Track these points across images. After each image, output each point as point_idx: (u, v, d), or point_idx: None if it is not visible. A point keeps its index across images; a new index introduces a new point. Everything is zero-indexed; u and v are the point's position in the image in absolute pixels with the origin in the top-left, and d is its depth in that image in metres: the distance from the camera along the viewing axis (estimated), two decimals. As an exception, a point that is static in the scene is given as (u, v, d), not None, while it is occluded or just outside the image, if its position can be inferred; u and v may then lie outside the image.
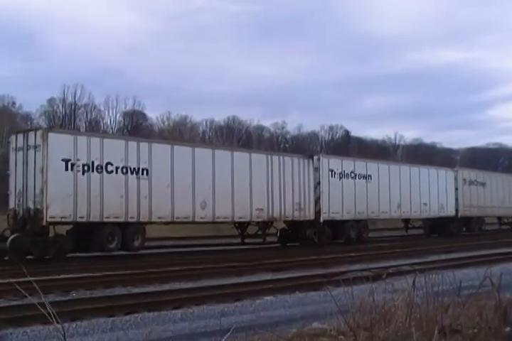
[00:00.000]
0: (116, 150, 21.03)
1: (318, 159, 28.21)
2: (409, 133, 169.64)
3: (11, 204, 20.42)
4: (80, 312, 9.56)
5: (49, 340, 7.52)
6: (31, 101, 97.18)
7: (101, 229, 20.64)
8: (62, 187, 19.57)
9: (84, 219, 20.03)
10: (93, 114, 73.99)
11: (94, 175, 20.37)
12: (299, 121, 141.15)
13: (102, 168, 20.57)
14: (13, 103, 68.10)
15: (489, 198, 39.60)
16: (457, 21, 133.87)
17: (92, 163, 20.36)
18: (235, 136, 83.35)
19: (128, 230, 21.30)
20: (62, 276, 15.14)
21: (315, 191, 27.75)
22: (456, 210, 36.45)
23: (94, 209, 20.15)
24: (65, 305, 9.93)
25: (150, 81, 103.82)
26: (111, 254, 20.99)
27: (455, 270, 10.08)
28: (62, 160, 19.71)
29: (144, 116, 77.82)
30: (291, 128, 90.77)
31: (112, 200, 20.66)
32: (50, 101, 70.44)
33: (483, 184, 39.28)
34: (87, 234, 20.69)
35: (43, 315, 4.29)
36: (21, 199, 19.89)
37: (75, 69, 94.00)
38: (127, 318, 9.29)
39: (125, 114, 76.48)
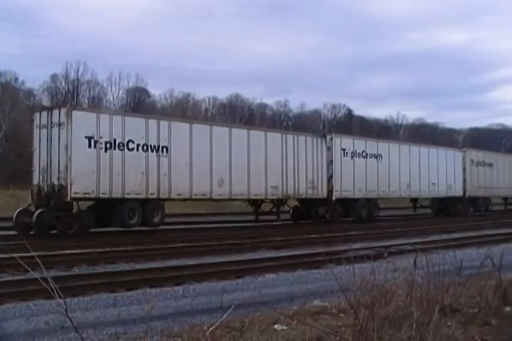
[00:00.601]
0: (137, 128, 21.64)
1: (331, 138, 28.96)
2: (411, 113, 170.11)
3: (35, 180, 21.00)
4: (82, 288, 9.71)
5: (52, 315, 7.58)
6: (34, 78, 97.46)
7: (122, 205, 21.28)
8: (85, 164, 20.17)
9: (106, 196, 20.69)
10: (96, 90, 74.45)
11: (116, 152, 20.98)
12: (302, 100, 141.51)
13: (123, 145, 21.17)
14: (16, 79, 68.16)
15: (496, 179, 40.52)
16: (460, 2, 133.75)
17: (114, 140, 20.95)
18: (238, 114, 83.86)
19: (148, 206, 21.99)
20: (66, 252, 15.40)
21: (327, 170, 28.54)
22: (464, 190, 37.43)
23: (116, 185, 20.81)
24: (67, 280, 10.11)
25: (153, 59, 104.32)
26: (131, 230, 21.77)
27: (456, 250, 10.10)
28: (86, 137, 20.28)
29: (146, 93, 78.42)
30: (294, 106, 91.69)
31: (132, 177, 21.31)
32: (53, 77, 70.84)
33: (490, 165, 40.15)
34: (108, 209, 21.39)
35: (45, 289, 4.35)
36: (45, 176, 20.52)
37: (79, 47, 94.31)
38: (129, 294, 9.43)
39: (128, 91, 76.99)
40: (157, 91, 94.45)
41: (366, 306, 5.50)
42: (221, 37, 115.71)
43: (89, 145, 20.40)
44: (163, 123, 22.64)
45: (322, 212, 28.05)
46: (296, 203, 29.02)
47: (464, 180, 37.48)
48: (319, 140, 28.66)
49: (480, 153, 40.70)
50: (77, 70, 70.02)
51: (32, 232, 19.83)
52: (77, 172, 19.97)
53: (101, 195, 20.60)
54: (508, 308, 6.66)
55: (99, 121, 20.70)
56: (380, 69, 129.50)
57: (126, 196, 21.22)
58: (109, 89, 74.90)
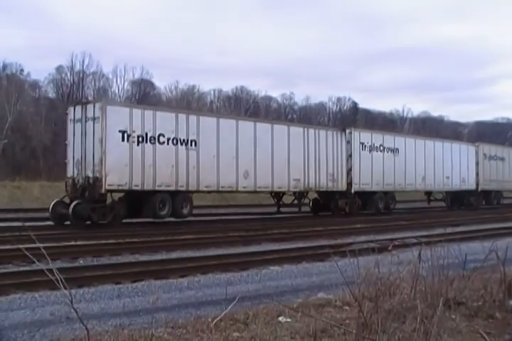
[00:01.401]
0: (167, 123, 22.74)
1: (350, 132, 30.21)
2: (416, 106, 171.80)
3: (69, 173, 22.14)
4: (87, 279, 10.00)
5: (57, 306, 7.73)
6: (39, 69, 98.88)
7: (153, 196, 22.38)
8: (119, 157, 21.26)
9: (138, 188, 21.79)
10: (101, 82, 75.40)
11: (148, 145, 22.09)
12: (307, 93, 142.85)
13: (154, 139, 22.28)
14: (21, 70, 69.18)
15: (507, 173, 41.94)
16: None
17: (146, 134, 22.03)
18: (243, 106, 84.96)
19: (177, 198, 23.13)
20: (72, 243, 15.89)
21: (347, 163, 29.83)
22: (477, 184, 38.90)
23: (147, 178, 21.92)
24: (72, 271, 10.38)
25: (159, 52, 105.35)
26: (160, 221, 22.89)
27: (461, 243, 10.67)
28: (119, 131, 21.34)
29: (151, 85, 79.27)
30: (299, 99, 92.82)
31: (163, 170, 22.43)
32: (59, 69, 71.69)
33: (502, 159, 41.61)
34: (138, 201, 22.49)
35: (51, 280, 4.49)
36: (80, 168, 21.60)
37: (85, 39, 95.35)
38: (134, 286, 9.66)
39: (133, 83, 77.88)
40: (162, 83, 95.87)
41: (370, 299, 5.61)
42: (227, 29, 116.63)
43: (123, 139, 21.45)
44: (192, 118, 23.76)
45: (342, 204, 29.34)
46: (315, 196, 30.21)
47: (477, 174, 38.96)
48: (339, 134, 29.91)
49: (492, 147, 42.18)
50: (83, 62, 70.89)
51: (67, 223, 20.97)
52: (111, 165, 21.05)
53: (133, 187, 21.68)
54: (512, 301, 6.80)
55: (131, 116, 21.76)
56: (385, 63, 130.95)
57: (157, 188, 22.34)
58: (115, 81, 75.88)
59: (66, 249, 14.46)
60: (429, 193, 37.81)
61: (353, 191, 29.61)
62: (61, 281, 4.27)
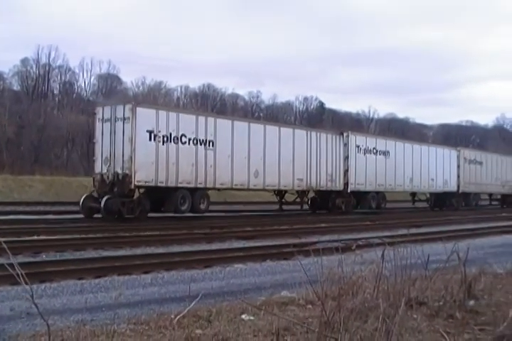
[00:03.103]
0: (188, 124, 25.86)
1: (347, 136, 34.04)
2: (382, 108, 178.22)
3: (97, 169, 24.97)
4: (49, 274, 10.18)
5: (17, 301, 7.85)
6: (4, 61, 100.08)
7: (175, 193, 25.49)
8: (146, 155, 24.20)
9: (163, 184, 24.82)
10: (67, 76, 77.55)
11: (172, 145, 25.17)
12: (274, 91, 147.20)
13: (177, 139, 25.38)
14: (-15, 61, 70.76)
15: (484, 176, 46.73)
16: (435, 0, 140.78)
17: (170, 134, 25.12)
18: (210, 104, 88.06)
19: (196, 194, 26.29)
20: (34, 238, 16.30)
21: (344, 164, 33.67)
22: (458, 186, 43.50)
23: (171, 175, 24.98)
24: (34, 266, 10.55)
25: (126, 46, 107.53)
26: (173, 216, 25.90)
27: (424, 244, 11.53)
28: (147, 131, 24.34)
29: (118, 79, 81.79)
30: (266, 97, 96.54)
31: (184, 168, 25.54)
32: (24, 61, 73.52)
33: (480, 163, 46.34)
34: (159, 197, 25.55)
35: (11, 275, 4.56)
36: (109, 165, 24.46)
37: (52, 31, 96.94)
38: (97, 281, 9.95)
39: (100, 77, 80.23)
40: (129, 78, 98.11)
41: (333, 298, 5.87)
42: (196, 27, 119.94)
43: (150, 139, 24.45)
44: (210, 120, 27.05)
45: (339, 203, 33.10)
46: (313, 194, 33.84)
47: (458, 177, 43.59)
48: (337, 137, 33.74)
49: (472, 152, 47.23)
50: (49, 55, 72.87)
51: (96, 215, 23.90)
52: (140, 162, 23.93)
53: (159, 184, 24.67)
54: (472, 302, 7.24)
55: (158, 117, 24.80)
56: (353, 64, 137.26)
57: (179, 185, 25.43)
58: (81, 74, 78.10)
59: (28, 243, 14.92)
60: (413, 194, 42.07)
61: (349, 191, 33.40)
62: (22, 276, 4.34)
